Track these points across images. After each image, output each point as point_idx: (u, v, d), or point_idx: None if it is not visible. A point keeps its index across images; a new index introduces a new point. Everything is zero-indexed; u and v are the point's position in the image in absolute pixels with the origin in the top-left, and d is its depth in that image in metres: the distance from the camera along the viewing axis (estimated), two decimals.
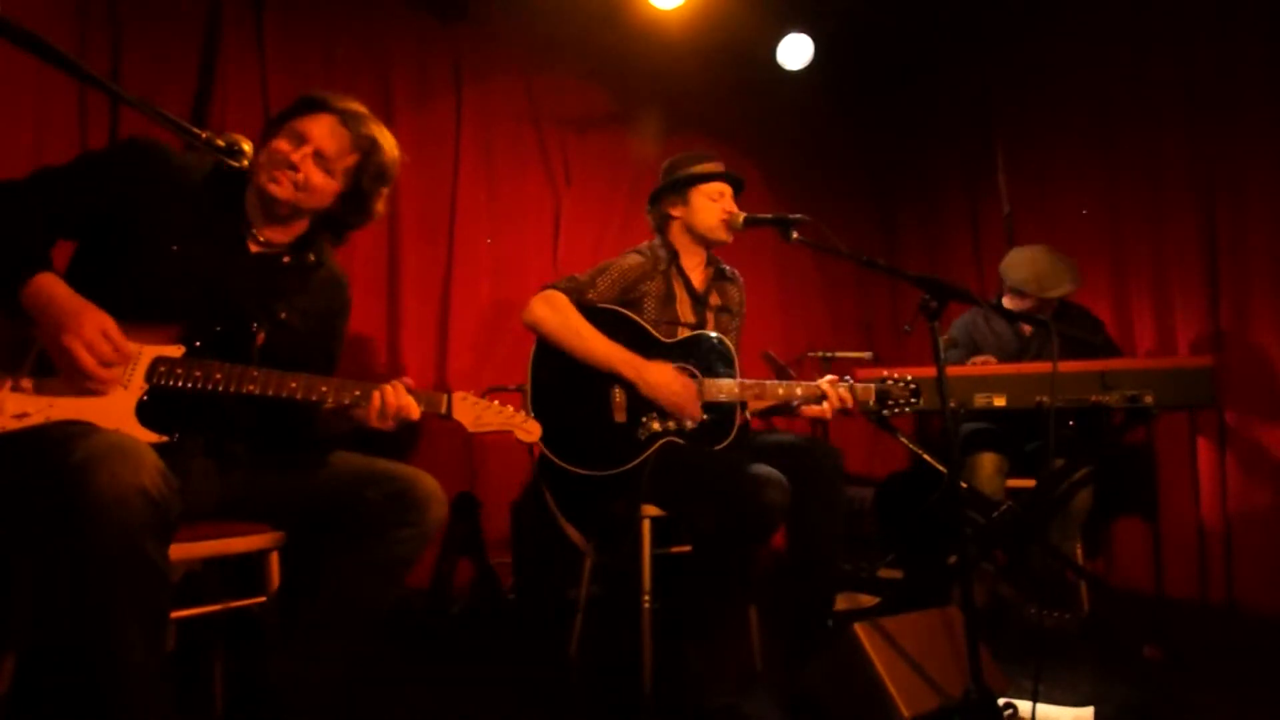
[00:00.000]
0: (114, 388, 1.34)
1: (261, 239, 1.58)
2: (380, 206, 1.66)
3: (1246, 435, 2.88)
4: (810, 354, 3.41)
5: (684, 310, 2.25)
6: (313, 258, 1.64)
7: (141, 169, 1.47)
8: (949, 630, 1.86)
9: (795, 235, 1.95)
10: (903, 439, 2.63)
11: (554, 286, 2.12)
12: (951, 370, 2.53)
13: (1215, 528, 2.93)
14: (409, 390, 1.49)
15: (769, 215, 2.07)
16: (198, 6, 2.77)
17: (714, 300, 2.33)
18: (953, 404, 2.52)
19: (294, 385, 1.44)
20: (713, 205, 2.24)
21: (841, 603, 2.56)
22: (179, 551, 1.39)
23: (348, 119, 1.56)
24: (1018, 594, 2.67)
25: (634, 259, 2.23)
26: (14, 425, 1.26)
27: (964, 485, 2.64)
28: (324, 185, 1.56)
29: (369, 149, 1.58)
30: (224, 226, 1.54)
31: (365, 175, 1.60)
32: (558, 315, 2.06)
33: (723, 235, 2.24)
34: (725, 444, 2.07)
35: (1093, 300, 3.24)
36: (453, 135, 3.31)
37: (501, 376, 2.96)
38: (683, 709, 1.86)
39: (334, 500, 1.48)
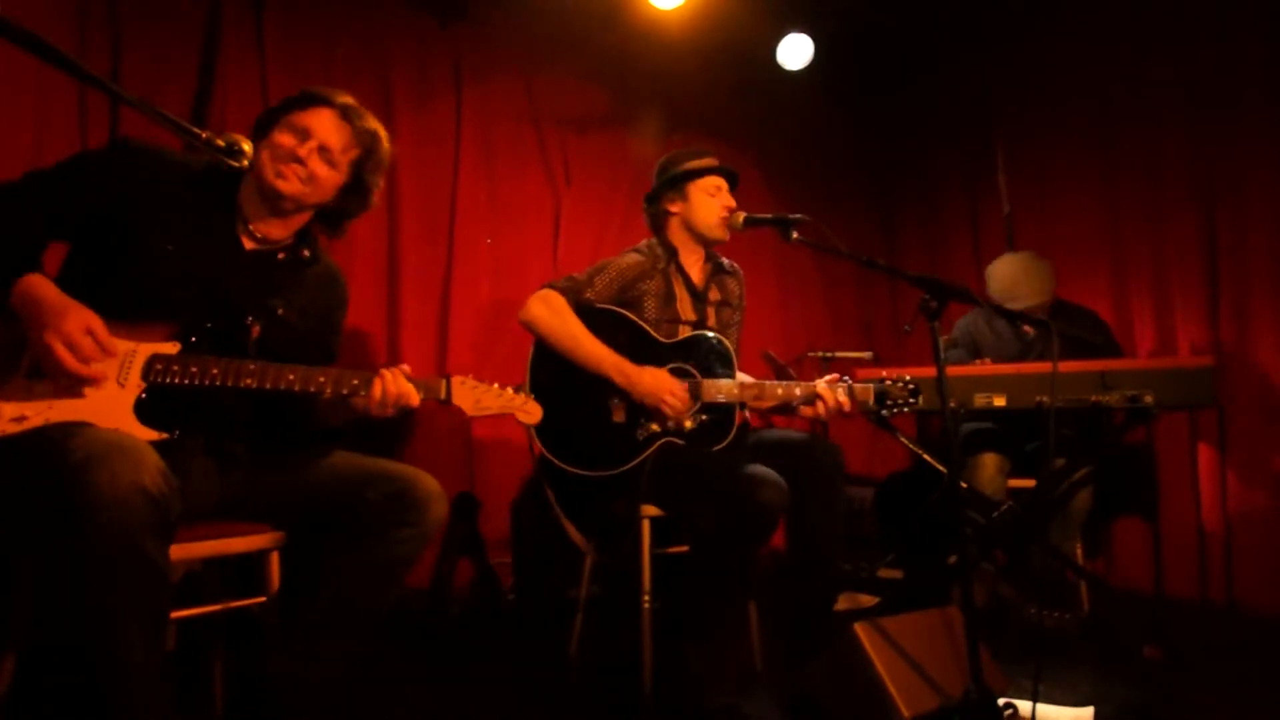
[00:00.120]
0: (102, 385, 1.33)
1: (259, 235, 1.58)
2: (377, 197, 1.68)
3: (1247, 435, 2.88)
4: (810, 354, 3.41)
5: (684, 308, 2.25)
6: (308, 254, 1.64)
7: (133, 169, 1.47)
8: (949, 630, 1.86)
9: (795, 235, 1.95)
10: (903, 439, 2.63)
11: (551, 286, 2.12)
12: (951, 370, 2.53)
13: (1215, 528, 2.93)
14: (408, 377, 1.49)
15: (769, 215, 2.07)
16: (198, 6, 2.77)
17: (714, 295, 2.32)
18: (953, 404, 2.52)
19: (291, 377, 1.44)
20: (711, 200, 2.24)
21: (841, 603, 2.56)
22: (179, 551, 1.39)
23: (348, 113, 1.58)
24: (1018, 594, 2.67)
25: (632, 258, 2.23)
26: (13, 429, 1.27)
27: (964, 485, 2.64)
28: (329, 179, 1.57)
29: (370, 143, 1.61)
30: (218, 224, 1.54)
31: (366, 168, 1.62)
32: (554, 316, 2.06)
33: (721, 234, 2.24)
34: (724, 444, 2.07)
35: (1093, 300, 3.24)
36: (453, 135, 3.31)
37: (501, 376, 2.89)
38: (683, 709, 1.86)
39: (334, 500, 1.48)
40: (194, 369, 1.39)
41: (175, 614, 1.50)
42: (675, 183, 2.27)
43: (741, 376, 2.15)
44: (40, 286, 1.30)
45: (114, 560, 1.11)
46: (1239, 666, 2.28)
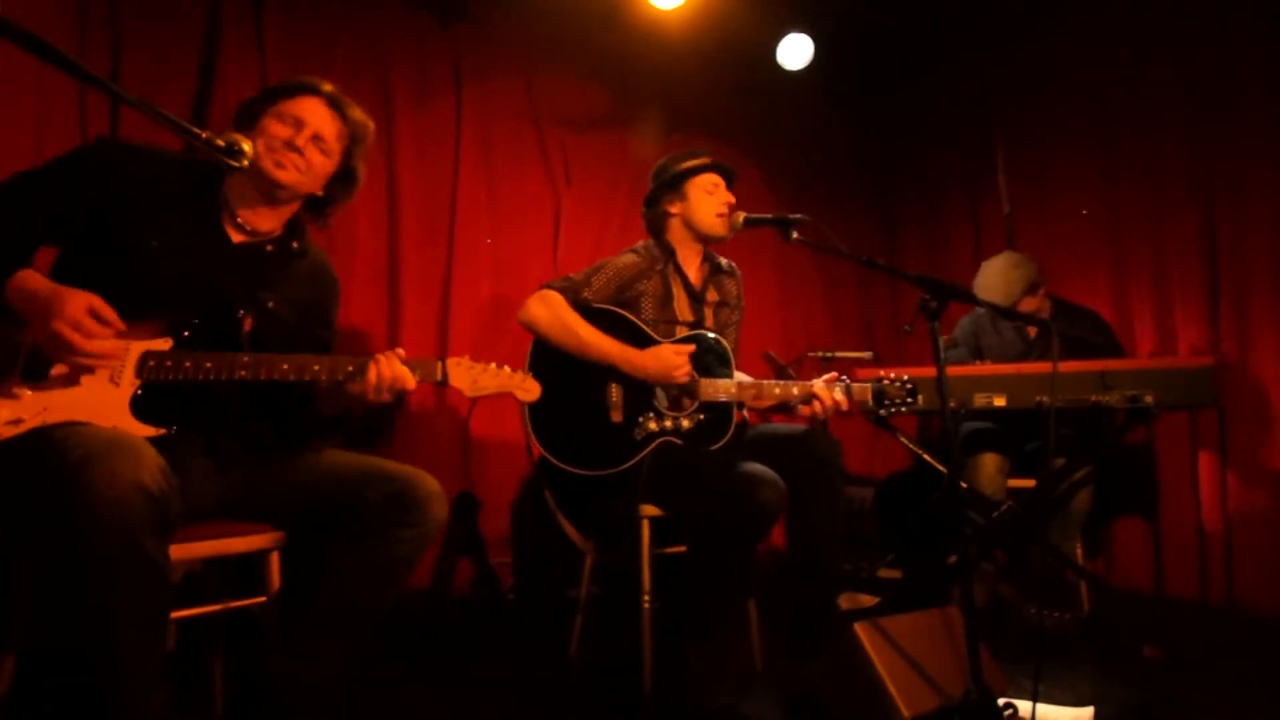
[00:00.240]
0: (111, 363, 1.34)
1: (248, 227, 1.57)
2: (361, 184, 1.71)
3: (1246, 435, 2.88)
4: (810, 354, 3.41)
5: (681, 308, 2.25)
6: (296, 245, 1.65)
7: (113, 168, 1.46)
8: (949, 630, 1.86)
9: (795, 235, 1.95)
10: (903, 439, 2.63)
11: (549, 286, 2.12)
12: (951, 370, 2.53)
13: (1215, 528, 2.93)
14: (403, 360, 1.49)
15: (769, 215, 2.07)
16: (198, 6, 2.77)
17: (711, 296, 2.32)
18: (953, 404, 2.52)
19: (285, 367, 1.44)
20: (709, 198, 2.24)
21: (842, 603, 2.56)
22: (179, 551, 1.39)
23: (337, 102, 1.60)
24: (1018, 594, 2.67)
25: (629, 258, 2.23)
26: (9, 433, 1.26)
27: (964, 485, 2.64)
28: (324, 168, 1.59)
29: (359, 131, 1.64)
30: (203, 219, 1.54)
31: (354, 155, 1.65)
32: (553, 315, 2.06)
33: (721, 230, 2.23)
34: (721, 443, 2.07)
35: (1093, 300, 3.24)
36: (453, 135, 3.31)
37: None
38: (683, 709, 1.86)
39: (334, 500, 1.48)
40: (187, 364, 1.39)
41: (175, 614, 1.50)
42: (673, 183, 2.27)
43: (740, 376, 2.15)
44: (33, 280, 1.31)
45: (113, 558, 1.11)
46: (1239, 666, 2.28)
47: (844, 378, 2.15)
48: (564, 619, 2.31)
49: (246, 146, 1.40)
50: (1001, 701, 1.57)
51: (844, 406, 2.09)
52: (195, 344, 1.42)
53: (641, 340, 2.12)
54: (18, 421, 1.27)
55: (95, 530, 1.09)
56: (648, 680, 1.96)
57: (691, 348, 2.07)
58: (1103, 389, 2.41)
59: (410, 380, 1.49)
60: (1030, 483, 2.78)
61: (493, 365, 1.61)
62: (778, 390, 2.11)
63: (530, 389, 1.63)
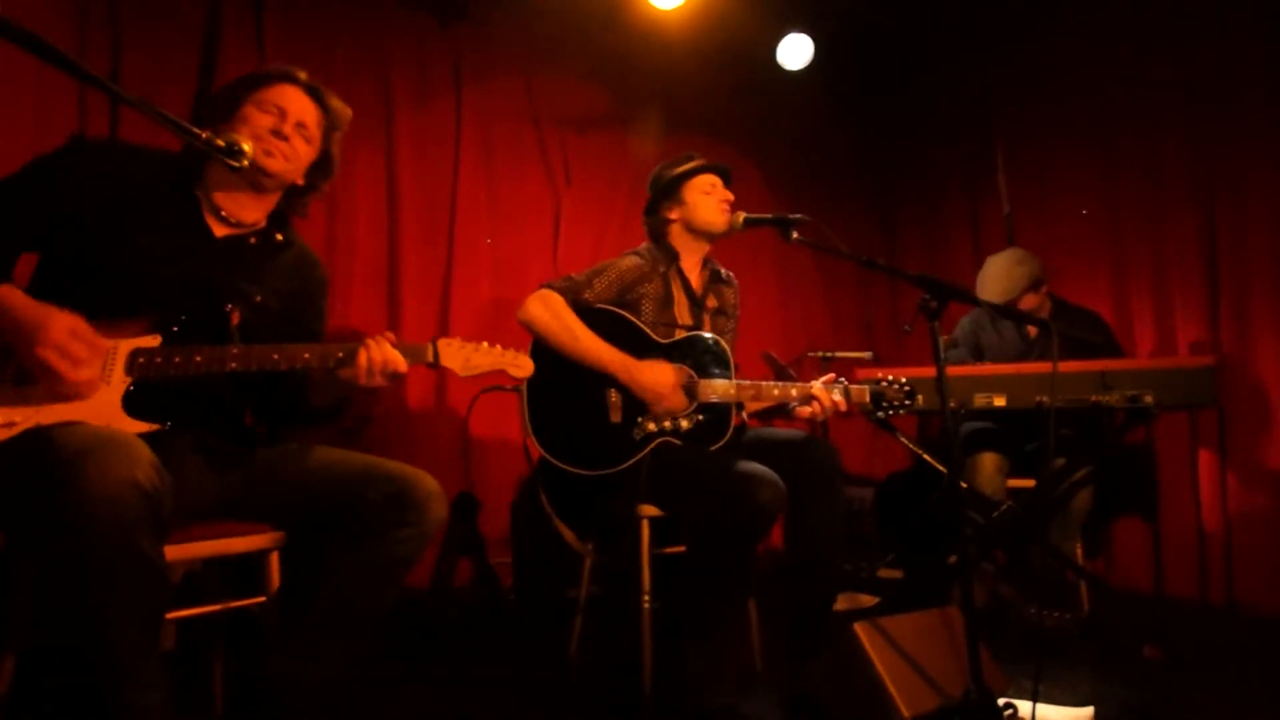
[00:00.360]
0: (95, 387, 1.33)
1: (232, 219, 1.57)
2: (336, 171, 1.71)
3: (1246, 435, 2.88)
4: (810, 354, 3.41)
5: (681, 313, 2.25)
6: (281, 237, 1.65)
7: (90, 168, 1.46)
8: (949, 630, 1.86)
9: (795, 235, 1.95)
10: (903, 439, 2.63)
11: (550, 286, 2.11)
12: (951, 370, 2.53)
13: (1215, 528, 2.93)
14: (393, 344, 1.49)
15: (769, 215, 2.07)
16: (198, 6, 2.77)
17: (711, 303, 2.33)
18: (953, 404, 2.52)
19: (276, 357, 1.44)
20: (707, 197, 2.24)
21: (841, 603, 2.56)
22: (179, 552, 1.39)
23: (313, 90, 1.60)
24: (1018, 594, 2.67)
25: (632, 260, 2.23)
26: (3, 435, 1.26)
27: (964, 485, 2.65)
28: (307, 156, 1.60)
29: (337, 119, 1.64)
30: (184, 213, 1.53)
31: (333, 142, 1.65)
32: (552, 315, 2.06)
33: (722, 226, 2.23)
34: (720, 444, 2.07)
35: (1093, 300, 3.24)
36: (453, 135, 3.31)
37: (500, 376, 2.95)
38: (683, 709, 1.86)
39: (334, 500, 1.47)
40: (177, 359, 1.38)
41: (175, 614, 1.51)
42: (670, 189, 2.27)
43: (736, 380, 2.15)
44: (11, 297, 1.29)
45: (108, 555, 1.11)
46: (1239, 666, 2.28)
47: (842, 379, 2.15)
48: (564, 619, 2.31)
49: (246, 146, 1.40)
50: (1001, 701, 1.57)
51: (842, 408, 2.10)
52: (184, 340, 1.41)
53: (641, 341, 2.12)
54: (10, 424, 1.27)
55: (89, 527, 1.09)
56: (648, 680, 1.95)
57: (684, 399, 2.07)
58: (1103, 389, 2.41)
59: (402, 362, 1.48)
60: (1030, 483, 2.78)
61: (484, 344, 1.59)
62: (776, 391, 2.11)
63: (523, 365, 1.63)
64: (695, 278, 2.31)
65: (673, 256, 2.28)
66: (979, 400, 2.52)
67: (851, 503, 3.51)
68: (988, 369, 2.58)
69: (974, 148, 3.98)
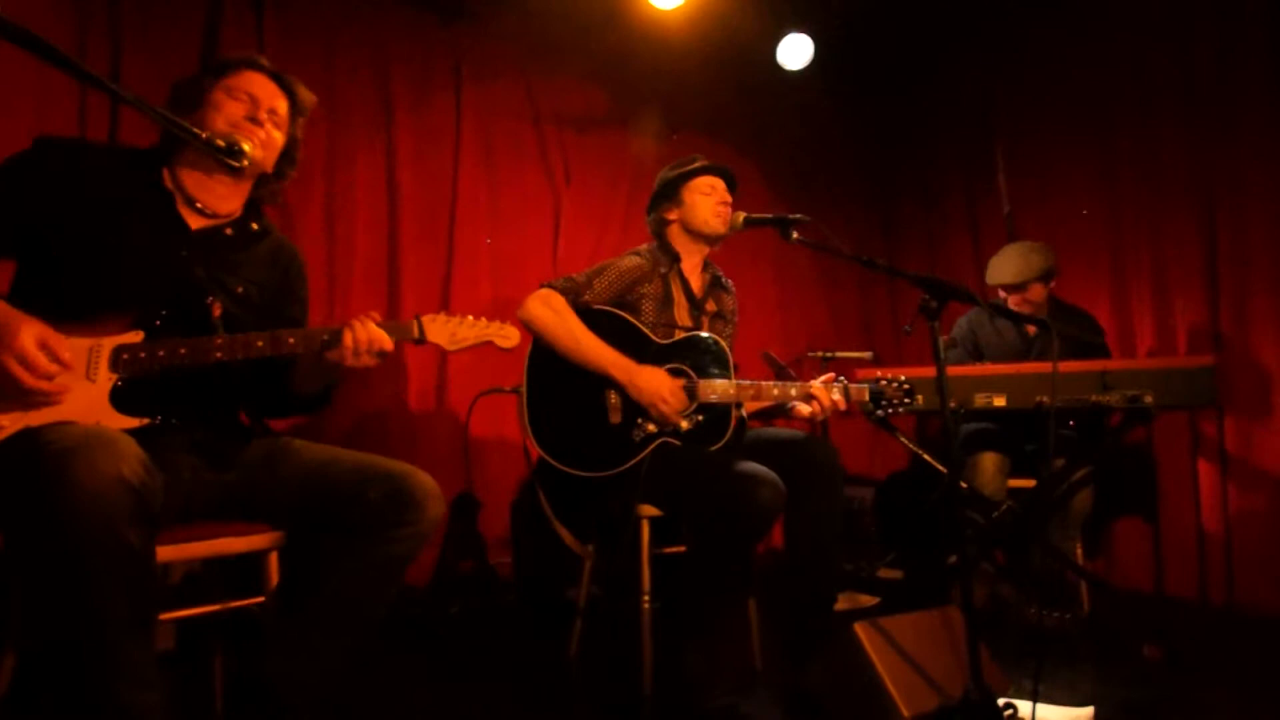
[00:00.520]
0: (60, 398, 1.31)
1: (208, 210, 1.57)
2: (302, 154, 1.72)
3: (1246, 435, 2.88)
4: (810, 354, 3.41)
5: (680, 314, 2.25)
6: (256, 226, 1.65)
7: (58, 169, 1.45)
8: (949, 630, 1.86)
9: (795, 235, 1.95)
10: (903, 439, 2.63)
11: (550, 286, 2.11)
12: (951, 370, 2.53)
13: (1215, 528, 2.93)
14: (378, 323, 1.49)
15: (769, 215, 2.07)
16: (197, 7, 2.77)
17: (710, 307, 2.33)
18: (953, 404, 2.52)
19: (260, 344, 1.44)
20: (706, 198, 2.25)
21: (841, 603, 2.56)
22: (178, 552, 1.39)
23: (278, 76, 1.61)
24: (1018, 594, 2.67)
25: (633, 260, 2.23)
26: None
27: (964, 485, 2.65)
28: (279, 143, 1.61)
29: (303, 106, 1.65)
30: (157, 207, 1.53)
31: (298, 127, 1.66)
32: (553, 315, 2.06)
33: (719, 227, 2.23)
34: (720, 444, 2.07)
35: (1093, 300, 3.25)
36: (453, 135, 3.32)
37: (499, 377, 2.96)
38: (683, 709, 1.86)
39: (332, 499, 1.47)
40: (161, 353, 1.38)
41: (175, 614, 1.51)
42: (669, 190, 2.28)
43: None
44: None
45: (96, 550, 1.10)
46: (1239, 666, 2.29)
47: (841, 378, 2.16)
48: (564, 619, 2.31)
49: (246, 146, 1.40)
50: (1001, 701, 1.56)
51: (841, 406, 2.10)
52: (167, 334, 1.41)
53: (640, 341, 2.12)
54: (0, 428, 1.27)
55: (77, 523, 1.09)
56: (648, 680, 1.96)
57: (683, 398, 2.06)
58: (1103, 389, 2.41)
59: (387, 341, 1.49)
60: (1030, 483, 2.78)
61: (469, 317, 1.60)
62: (775, 391, 2.11)
63: (509, 335, 1.63)
64: (696, 280, 2.31)
65: (674, 257, 2.28)
66: (979, 400, 2.52)
67: (851, 503, 3.52)
68: (987, 369, 2.58)
69: (974, 148, 3.98)
